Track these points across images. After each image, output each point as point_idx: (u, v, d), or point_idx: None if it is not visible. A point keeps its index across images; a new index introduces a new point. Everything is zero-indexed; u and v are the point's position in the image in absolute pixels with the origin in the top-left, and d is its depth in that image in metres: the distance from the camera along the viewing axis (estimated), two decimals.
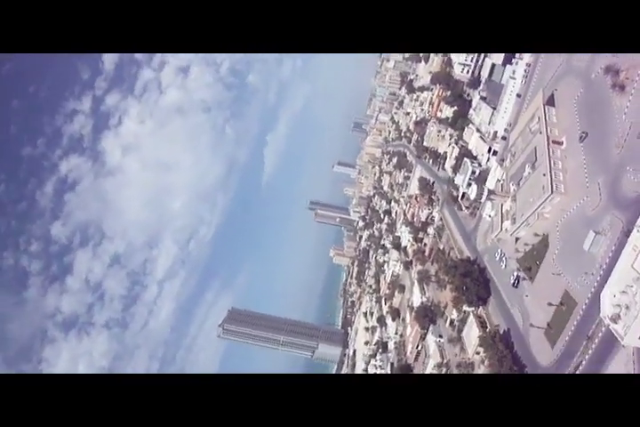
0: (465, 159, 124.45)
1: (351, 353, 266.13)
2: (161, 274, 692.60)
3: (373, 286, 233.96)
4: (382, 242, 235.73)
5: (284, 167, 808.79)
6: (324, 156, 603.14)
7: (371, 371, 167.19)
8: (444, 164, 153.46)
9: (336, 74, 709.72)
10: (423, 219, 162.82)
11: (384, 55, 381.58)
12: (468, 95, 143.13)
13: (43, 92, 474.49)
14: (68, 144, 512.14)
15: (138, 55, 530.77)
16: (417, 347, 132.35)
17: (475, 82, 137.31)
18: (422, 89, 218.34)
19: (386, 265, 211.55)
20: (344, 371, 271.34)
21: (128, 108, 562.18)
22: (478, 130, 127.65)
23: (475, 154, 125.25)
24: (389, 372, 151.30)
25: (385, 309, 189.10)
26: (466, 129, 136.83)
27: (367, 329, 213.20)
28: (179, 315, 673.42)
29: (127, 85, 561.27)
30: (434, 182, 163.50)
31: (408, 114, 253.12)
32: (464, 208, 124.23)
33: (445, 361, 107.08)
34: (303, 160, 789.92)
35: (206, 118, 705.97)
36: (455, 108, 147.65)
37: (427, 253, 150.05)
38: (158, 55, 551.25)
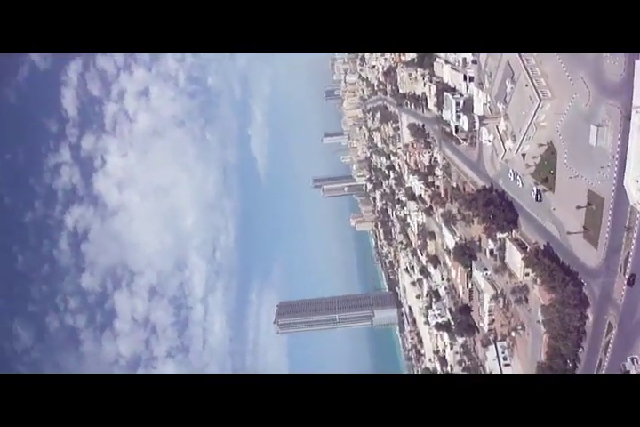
0: (445, 94, 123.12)
1: (407, 311, 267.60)
2: (200, 292, 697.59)
3: (404, 242, 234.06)
4: (396, 197, 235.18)
5: (275, 155, 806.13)
6: (310, 132, 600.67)
7: (432, 322, 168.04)
8: (426, 104, 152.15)
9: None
10: (427, 163, 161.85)
11: None
12: None
13: (21, 155, 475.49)
14: (65, 197, 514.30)
15: (94, 92, 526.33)
16: (467, 286, 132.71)
17: None
18: None
19: (408, 218, 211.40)
20: (407, 329, 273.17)
21: (106, 146, 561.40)
22: (447, 61, 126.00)
23: (452, 86, 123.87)
24: (449, 317, 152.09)
25: (423, 259, 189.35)
26: (435, 64, 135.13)
27: (414, 284, 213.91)
28: (232, 324, 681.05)
29: (97, 124, 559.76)
30: (423, 125, 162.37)
31: (374, 67, 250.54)
32: (462, 141, 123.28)
33: (499, 291, 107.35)
34: (291, 143, 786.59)
35: (184, 132, 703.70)
36: None
37: (443, 195, 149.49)
38: (114, 86, 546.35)
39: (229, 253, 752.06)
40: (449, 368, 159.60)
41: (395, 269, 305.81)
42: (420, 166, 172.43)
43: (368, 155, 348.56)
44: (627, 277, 61.86)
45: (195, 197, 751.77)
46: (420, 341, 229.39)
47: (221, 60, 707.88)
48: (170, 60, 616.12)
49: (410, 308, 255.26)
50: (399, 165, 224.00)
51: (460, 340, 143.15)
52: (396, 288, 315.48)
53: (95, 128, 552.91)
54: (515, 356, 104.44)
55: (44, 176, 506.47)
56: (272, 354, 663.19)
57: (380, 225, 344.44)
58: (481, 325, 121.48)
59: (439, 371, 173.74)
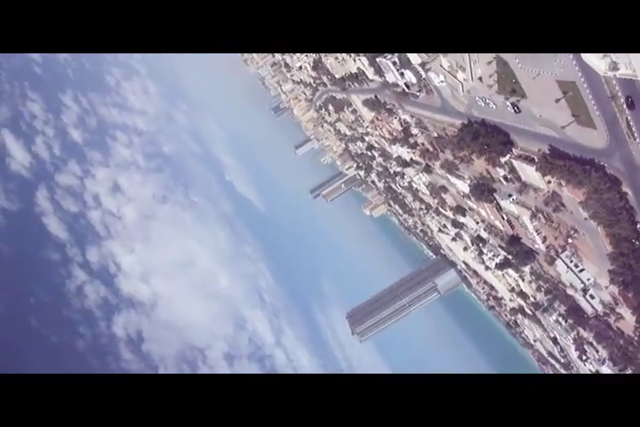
0: (377, 60, 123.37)
1: (463, 266, 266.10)
2: (271, 338, 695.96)
3: (423, 206, 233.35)
4: (391, 171, 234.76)
5: (262, 187, 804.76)
6: (280, 152, 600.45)
7: (491, 265, 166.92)
8: (367, 77, 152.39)
9: (216, 91, 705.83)
10: (400, 128, 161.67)
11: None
12: None
13: (43, 294, 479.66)
14: (102, 312, 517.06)
15: (72, 208, 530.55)
16: (503, 218, 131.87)
17: None
18: None
19: (413, 184, 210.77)
20: (473, 282, 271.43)
21: (111, 251, 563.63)
22: None
23: None
24: (504, 254, 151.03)
25: (449, 214, 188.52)
26: None
27: (454, 239, 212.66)
28: (317, 353, 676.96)
29: (91, 235, 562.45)
30: (376, 96, 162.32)
31: (301, 68, 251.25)
32: (418, 93, 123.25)
33: (534, 209, 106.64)
34: (268, 169, 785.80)
35: (171, 205, 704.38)
36: None
37: (431, 149, 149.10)
38: (86, 195, 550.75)
39: (276, 292, 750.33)
40: (532, 299, 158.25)
41: (429, 234, 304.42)
42: (395, 134, 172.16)
43: (344, 146, 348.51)
44: (638, 140, 61.48)
45: (215, 257, 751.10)
46: (492, 287, 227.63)
47: (163, 128, 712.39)
48: (121, 149, 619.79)
49: (464, 262, 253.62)
50: (376, 141, 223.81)
51: (526, 268, 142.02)
52: (441, 251, 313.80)
53: (91, 239, 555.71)
54: (583, 259, 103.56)
55: (73, 302, 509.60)
56: (368, 363, 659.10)
57: (392, 202, 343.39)
58: (536, 246, 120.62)
59: (525, 306, 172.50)
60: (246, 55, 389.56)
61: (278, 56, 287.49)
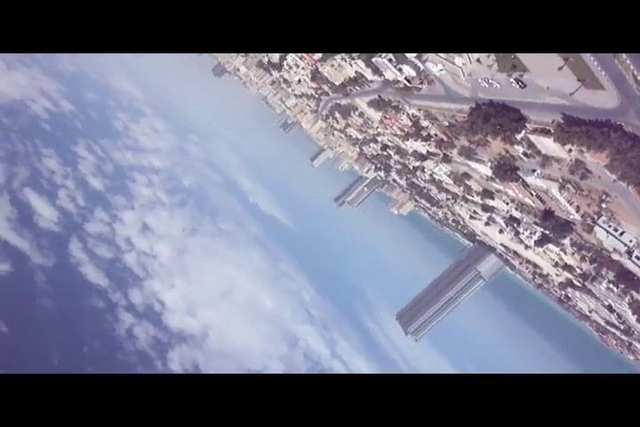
0: (373, 60, 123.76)
1: (502, 249, 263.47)
2: (326, 351, 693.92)
3: (449, 197, 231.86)
4: (410, 166, 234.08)
5: (286, 203, 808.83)
6: (297, 166, 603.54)
7: (530, 243, 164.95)
8: (366, 79, 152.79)
9: (223, 118, 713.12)
10: (410, 123, 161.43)
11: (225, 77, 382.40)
12: None
13: (97, 343, 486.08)
14: (156, 351, 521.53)
15: (107, 255, 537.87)
16: (532, 195, 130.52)
17: None
18: (282, 60, 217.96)
19: (435, 176, 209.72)
20: (516, 263, 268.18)
21: (153, 289, 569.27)
22: None
23: None
24: (541, 230, 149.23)
25: (477, 199, 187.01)
26: None
27: (487, 224, 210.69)
28: (374, 359, 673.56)
29: (130, 278, 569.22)
30: (379, 96, 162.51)
31: (300, 81, 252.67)
32: (420, 86, 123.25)
33: (561, 180, 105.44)
34: (289, 184, 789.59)
35: (201, 236, 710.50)
36: None
37: (445, 138, 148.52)
38: (118, 240, 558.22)
39: (321, 305, 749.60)
40: (578, 270, 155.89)
41: (461, 223, 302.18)
42: (406, 130, 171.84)
43: (358, 150, 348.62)
44: None
45: (255, 279, 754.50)
46: (535, 265, 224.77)
47: (179, 162, 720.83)
48: (142, 189, 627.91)
49: (502, 245, 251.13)
50: (389, 140, 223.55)
51: (566, 241, 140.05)
52: (477, 238, 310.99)
53: (131, 282, 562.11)
54: (621, 222, 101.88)
55: (126, 345, 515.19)
56: (428, 362, 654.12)
57: (418, 197, 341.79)
58: (571, 217, 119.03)
59: (572, 279, 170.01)
60: (244, 78, 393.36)
61: (276, 74, 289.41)
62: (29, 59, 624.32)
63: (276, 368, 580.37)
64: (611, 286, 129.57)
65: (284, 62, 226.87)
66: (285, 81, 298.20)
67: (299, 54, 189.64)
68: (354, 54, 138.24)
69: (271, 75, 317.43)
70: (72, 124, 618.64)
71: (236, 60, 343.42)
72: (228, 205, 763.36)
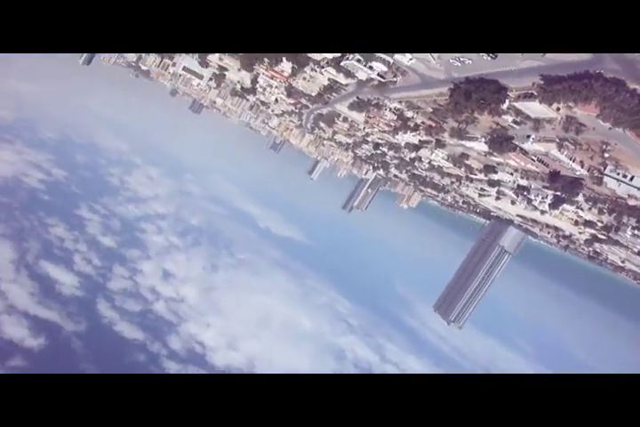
0: (341, 63, 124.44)
1: (519, 219, 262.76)
2: (375, 357, 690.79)
3: (453, 180, 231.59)
4: (406, 158, 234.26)
5: (297, 221, 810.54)
6: (297, 182, 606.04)
7: (544, 208, 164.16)
8: (341, 84, 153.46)
9: (212, 151, 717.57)
10: (394, 117, 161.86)
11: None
12: None
13: None
14: None
15: (133, 307, 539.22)
16: (533, 160, 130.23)
17: None
18: (254, 83, 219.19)
19: (433, 163, 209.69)
20: (536, 231, 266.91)
21: (190, 333, 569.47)
22: None
23: (338, 53, 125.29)
24: (552, 194, 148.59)
25: (481, 177, 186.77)
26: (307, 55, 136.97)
27: (498, 198, 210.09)
28: (424, 354, 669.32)
29: (165, 327, 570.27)
30: (358, 97, 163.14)
31: (277, 100, 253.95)
32: (394, 79, 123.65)
33: (557, 139, 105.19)
34: (294, 201, 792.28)
35: (223, 270, 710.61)
36: (283, 58, 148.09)
37: (433, 124, 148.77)
38: (142, 290, 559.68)
39: (358, 313, 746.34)
40: (599, 224, 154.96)
41: (472, 203, 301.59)
42: (393, 124, 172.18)
43: (352, 154, 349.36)
44: None
45: (287, 301, 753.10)
46: (556, 228, 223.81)
47: (182, 203, 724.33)
48: (153, 238, 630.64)
49: (518, 216, 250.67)
50: (379, 138, 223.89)
51: (579, 198, 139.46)
52: (492, 214, 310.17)
53: (167, 330, 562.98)
54: (628, 167, 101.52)
55: None
56: (479, 347, 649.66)
57: (423, 187, 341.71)
58: (578, 174, 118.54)
59: (596, 233, 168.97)
60: (223, 109, 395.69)
61: (252, 98, 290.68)
62: (10, 134, 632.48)
63: None
64: (635, 231, 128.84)
65: (257, 85, 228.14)
66: (263, 103, 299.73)
67: (269, 74, 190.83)
68: (322, 63, 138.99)
69: (247, 100, 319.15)
70: (69, 190, 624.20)
71: (210, 94, 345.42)
72: (240, 235, 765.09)
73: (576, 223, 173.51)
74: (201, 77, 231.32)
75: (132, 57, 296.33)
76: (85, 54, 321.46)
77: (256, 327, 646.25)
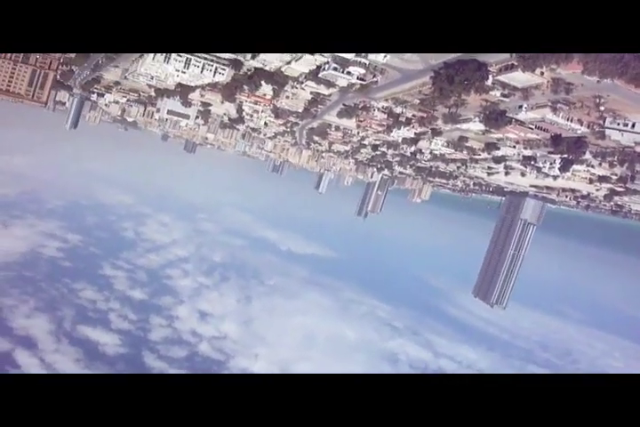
0: (318, 75, 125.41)
1: (534, 189, 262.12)
2: (427, 354, 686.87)
3: (458, 164, 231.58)
4: (407, 153, 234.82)
5: (314, 237, 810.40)
6: (306, 199, 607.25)
7: (556, 172, 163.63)
8: (325, 95, 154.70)
9: (216, 186, 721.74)
10: (384, 116, 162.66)
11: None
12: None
13: None
14: None
15: (177, 353, 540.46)
16: (531, 129, 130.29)
17: None
18: (240, 112, 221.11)
19: (434, 152, 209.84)
20: (554, 197, 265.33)
21: (241, 367, 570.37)
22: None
23: (312, 67, 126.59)
24: (559, 157, 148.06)
25: (485, 156, 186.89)
26: (290, 66, 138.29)
27: (507, 173, 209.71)
28: (475, 342, 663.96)
29: (214, 365, 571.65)
30: (344, 104, 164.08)
31: (266, 124, 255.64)
32: (374, 79, 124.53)
33: (550, 104, 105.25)
34: (309, 218, 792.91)
35: (256, 300, 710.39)
36: (262, 82, 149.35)
37: (424, 115, 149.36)
38: (186, 334, 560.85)
39: (399, 314, 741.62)
40: (613, 177, 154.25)
41: (483, 182, 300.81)
42: (384, 123, 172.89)
43: (353, 161, 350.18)
44: None
45: (327, 317, 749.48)
46: (572, 190, 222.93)
47: (200, 243, 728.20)
48: (181, 282, 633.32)
49: (532, 186, 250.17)
50: (375, 139, 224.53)
51: (587, 155, 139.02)
52: (505, 190, 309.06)
53: (217, 368, 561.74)
54: (626, 115, 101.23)
55: None
56: (528, 323, 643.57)
57: (431, 178, 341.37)
58: (579, 132, 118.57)
59: (613, 187, 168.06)
60: (216, 143, 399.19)
61: (241, 127, 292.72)
62: (17, 210, 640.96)
63: None
64: None
65: (243, 114, 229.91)
66: (253, 129, 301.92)
67: (252, 100, 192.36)
68: (301, 78, 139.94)
69: (238, 130, 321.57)
70: (88, 252, 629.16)
71: (200, 131, 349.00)
72: (265, 262, 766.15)
73: (590, 181, 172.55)
74: (187, 117, 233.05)
75: (115, 111, 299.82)
76: (70, 118, 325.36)
77: (304, 349, 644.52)
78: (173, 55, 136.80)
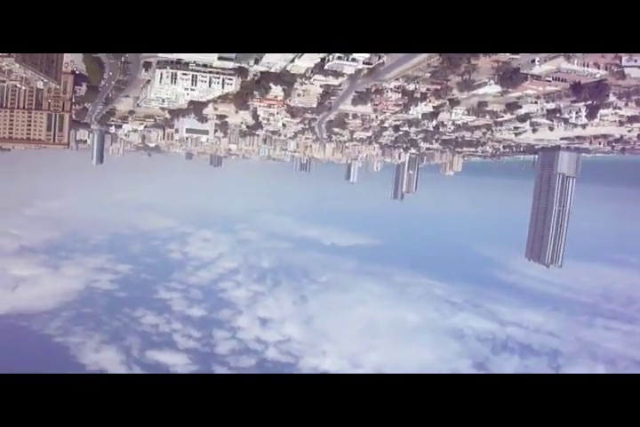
0: (325, 67, 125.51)
1: (565, 142, 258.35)
2: (493, 325, 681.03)
3: (483, 130, 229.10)
4: (430, 128, 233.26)
5: (356, 229, 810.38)
6: (340, 191, 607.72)
7: (583, 121, 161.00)
8: (335, 85, 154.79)
9: (251, 194, 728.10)
10: (399, 96, 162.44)
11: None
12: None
13: None
14: None
15: (248, 362, 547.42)
16: (550, 81, 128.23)
17: None
18: (256, 118, 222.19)
19: (456, 122, 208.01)
20: (587, 146, 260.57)
21: (312, 365, 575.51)
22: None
23: (311, 64, 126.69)
24: (583, 105, 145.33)
25: (507, 116, 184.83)
26: (294, 63, 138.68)
27: (534, 130, 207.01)
28: (537, 305, 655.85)
29: (285, 367, 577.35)
30: (356, 91, 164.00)
31: (284, 125, 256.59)
32: (380, 60, 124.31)
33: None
34: (346, 212, 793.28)
35: (312, 298, 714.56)
36: (271, 85, 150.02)
37: (439, 87, 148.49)
38: (251, 342, 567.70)
39: (456, 289, 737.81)
40: None
41: (513, 143, 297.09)
42: (400, 102, 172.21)
43: (377, 145, 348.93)
44: None
45: (385, 304, 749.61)
46: (604, 136, 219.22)
47: (246, 252, 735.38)
48: (236, 293, 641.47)
49: (562, 139, 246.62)
50: (395, 120, 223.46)
51: (611, 98, 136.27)
52: (536, 147, 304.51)
53: (288, 370, 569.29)
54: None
55: None
56: (587, 277, 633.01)
57: (459, 148, 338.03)
58: (598, 76, 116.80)
59: None
60: (240, 152, 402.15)
61: (261, 132, 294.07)
62: (64, 251, 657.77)
63: (464, 365, 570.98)
64: None
65: (260, 119, 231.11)
66: (273, 132, 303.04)
67: (265, 104, 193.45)
68: (307, 73, 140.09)
69: (258, 135, 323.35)
70: (140, 279, 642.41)
71: (222, 144, 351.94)
72: (313, 260, 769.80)
73: (620, 123, 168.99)
74: (206, 133, 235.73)
75: (136, 139, 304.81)
76: (95, 154, 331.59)
77: (368, 339, 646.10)
78: (179, 74, 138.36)
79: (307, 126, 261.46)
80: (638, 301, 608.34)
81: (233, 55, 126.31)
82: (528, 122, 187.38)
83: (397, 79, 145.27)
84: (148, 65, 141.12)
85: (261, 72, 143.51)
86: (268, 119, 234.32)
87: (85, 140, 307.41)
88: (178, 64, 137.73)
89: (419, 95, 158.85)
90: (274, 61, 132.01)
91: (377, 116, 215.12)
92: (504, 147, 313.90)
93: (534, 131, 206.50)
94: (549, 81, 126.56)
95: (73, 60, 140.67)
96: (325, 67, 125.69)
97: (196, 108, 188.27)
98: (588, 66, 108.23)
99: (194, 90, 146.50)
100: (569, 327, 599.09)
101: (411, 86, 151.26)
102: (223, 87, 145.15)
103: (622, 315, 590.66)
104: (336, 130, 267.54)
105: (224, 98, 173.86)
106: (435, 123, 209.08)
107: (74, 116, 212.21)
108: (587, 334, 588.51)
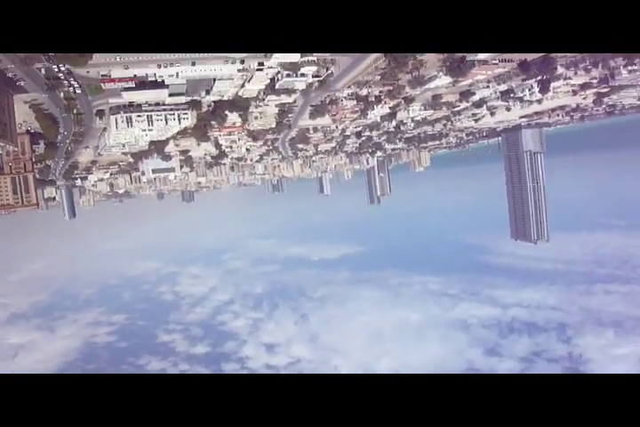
0: (276, 86, 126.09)
1: (525, 119, 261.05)
2: (496, 311, 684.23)
3: (443, 122, 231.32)
4: (391, 129, 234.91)
5: (342, 239, 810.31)
6: (317, 205, 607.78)
7: (537, 97, 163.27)
8: (290, 103, 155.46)
9: (226, 223, 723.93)
10: (353, 103, 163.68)
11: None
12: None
13: None
14: None
15: None
16: (496, 64, 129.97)
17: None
18: (218, 148, 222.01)
19: (415, 119, 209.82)
20: (546, 119, 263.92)
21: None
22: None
23: (271, 76, 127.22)
24: (534, 81, 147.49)
25: (463, 104, 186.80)
26: (245, 88, 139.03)
27: (492, 114, 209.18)
28: (534, 281, 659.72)
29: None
30: (311, 105, 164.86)
31: (248, 150, 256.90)
32: (329, 71, 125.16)
33: None
34: (327, 223, 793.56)
35: (313, 318, 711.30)
36: (226, 113, 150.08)
37: (391, 87, 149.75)
38: (258, 367, 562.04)
39: (450, 282, 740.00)
40: (594, 80, 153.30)
41: (475, 130, 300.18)
42: (357, 109, 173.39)
43: (343, 154, 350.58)
44: None
45: (385, 309, 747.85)
46: (561, 107, 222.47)
47: (235, 281, 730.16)
48: (236, 323, 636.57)
49: (521, 117, 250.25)
50: (355, 127, 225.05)
51: (559, 70, 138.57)
52: (498, 129, 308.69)
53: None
54: None
55: None
56: (576, 247, 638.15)
57: (423, 144, 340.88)
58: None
59: (597, 90, 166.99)
60: (210, 184, 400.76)
61: (226, 160, 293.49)
62: (56, 311, 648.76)
63: (476, 354, 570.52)
64: (629, 68, 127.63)
65: (223, 148, 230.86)
66: (239, 159, 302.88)
67: (225, 132, 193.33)
68: (260, 96, 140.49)
69: (224, 164, 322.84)
70: (138, 326, 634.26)
71: (190, 178, 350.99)
72: (304, 278, 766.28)
73: (574, 93, 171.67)
74: (173, 170, 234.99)
75: (104, 188, 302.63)
76: (67, 210, 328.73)
77: (377, 345, 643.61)
78: (134, 117, 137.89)
79: (270, 147, 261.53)
80: (630, 260, 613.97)
81: (184, 89, 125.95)
82: (484, 107, 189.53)
83: (349, 86, 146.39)
84: (100, 113, 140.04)
85: (214, 101, 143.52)
86: (231, 146, 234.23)
87: (54, 198, 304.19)
88: (130, 107, 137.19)
89: (373, 99, 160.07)
90: (225, 89, 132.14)
91: (337, 126, 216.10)
92: (467, 135, 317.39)
93: (492, 114, 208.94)
94: (496, 64, 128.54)
95: (26, 121, 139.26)
96: (276, 86, 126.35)
97: (158, 147, 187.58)
98: None
99: (151, 130, 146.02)
100: (569, 299, 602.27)
101: (363, 91, 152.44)
102: (180, 122, 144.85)
103: (618, 277, 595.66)
104: (300, 146, 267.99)
105: (183, 133, 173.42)
106: (394, 123, 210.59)
107: (37, 176, 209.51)
108: (588, 301, 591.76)
